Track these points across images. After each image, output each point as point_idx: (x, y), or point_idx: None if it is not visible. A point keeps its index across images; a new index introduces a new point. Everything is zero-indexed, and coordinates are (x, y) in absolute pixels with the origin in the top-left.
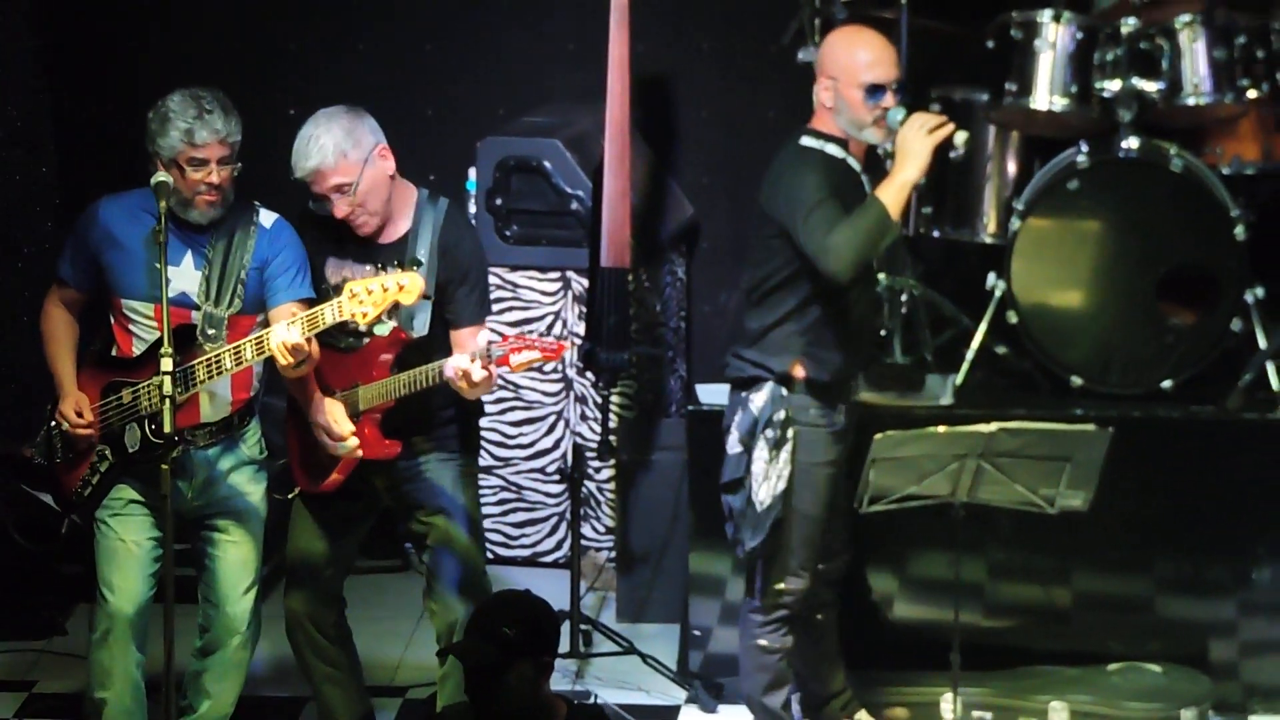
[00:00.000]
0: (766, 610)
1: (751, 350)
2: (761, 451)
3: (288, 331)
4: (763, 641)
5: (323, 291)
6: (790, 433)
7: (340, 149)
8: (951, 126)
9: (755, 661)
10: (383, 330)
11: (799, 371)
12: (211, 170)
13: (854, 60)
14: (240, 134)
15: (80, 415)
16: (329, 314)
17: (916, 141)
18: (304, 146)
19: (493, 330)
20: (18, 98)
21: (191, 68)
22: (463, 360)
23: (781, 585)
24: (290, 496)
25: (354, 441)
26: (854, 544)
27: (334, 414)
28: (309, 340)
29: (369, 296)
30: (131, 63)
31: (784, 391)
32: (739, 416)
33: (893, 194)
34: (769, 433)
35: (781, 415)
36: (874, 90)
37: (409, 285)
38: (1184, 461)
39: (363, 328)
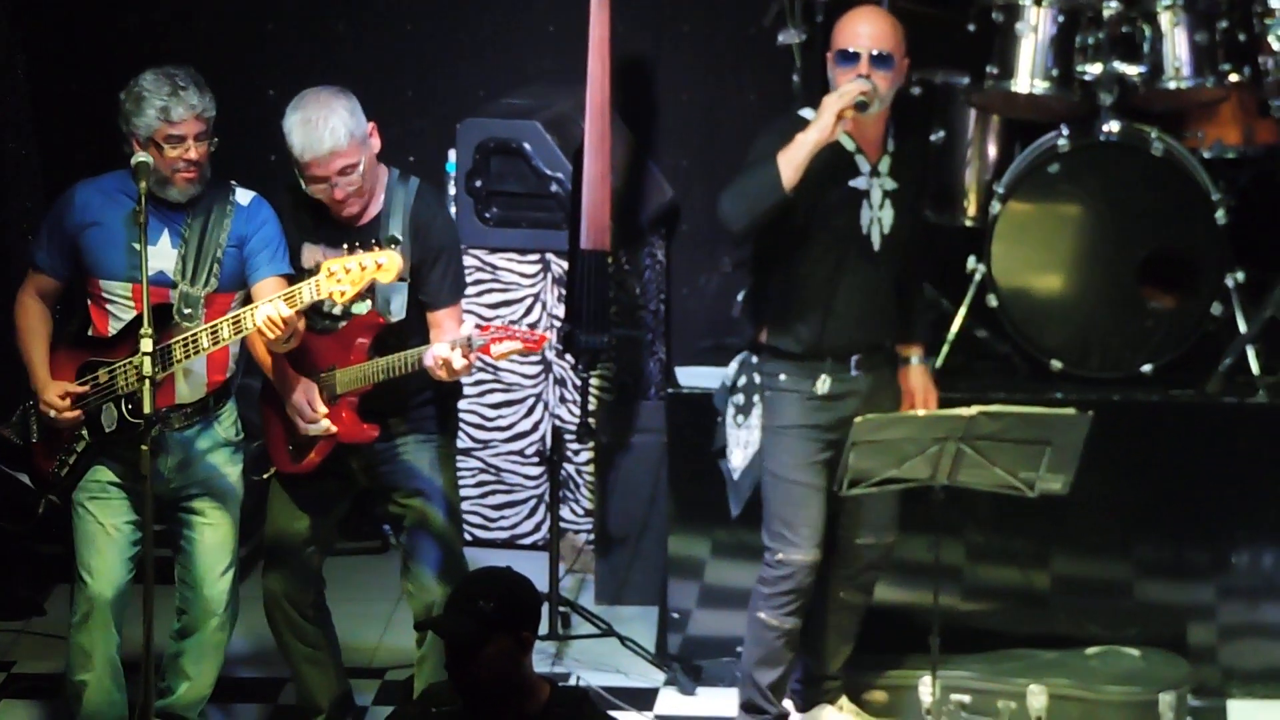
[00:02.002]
0: (772, 582)
1: (741, 319)
2: (729, 415)
3: (273, 307)
4: (763, 615)
5: (297, 276)
6: (756, 398)
7: (349, 130)
8: (860, 92)
9: (753, 633)
10: (361, 309)
11: (763, 338)
12: (189, 146)
13: (838, 28)
14: (215, 109)
15: (64, 398)
16: (307, 292)
17: (826, 104)
18: (314, 131)
19: (472, 314)
20: None
21: (169, 48)
22: (443, 349)
23: (780, 556)
24: (265, 477)
25: (326, 423)
26: (899, 528)
27: (309, 394)
28: (298, 314)
29: (346, 275)
30: (109, 43)
31: (754, 359)
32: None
33: (788, 153)
34: (736, 398)
35: (744, 380)
36: (845, 57)
37: (387, 264)
38: (1164, 445)
39: (339, 308)
